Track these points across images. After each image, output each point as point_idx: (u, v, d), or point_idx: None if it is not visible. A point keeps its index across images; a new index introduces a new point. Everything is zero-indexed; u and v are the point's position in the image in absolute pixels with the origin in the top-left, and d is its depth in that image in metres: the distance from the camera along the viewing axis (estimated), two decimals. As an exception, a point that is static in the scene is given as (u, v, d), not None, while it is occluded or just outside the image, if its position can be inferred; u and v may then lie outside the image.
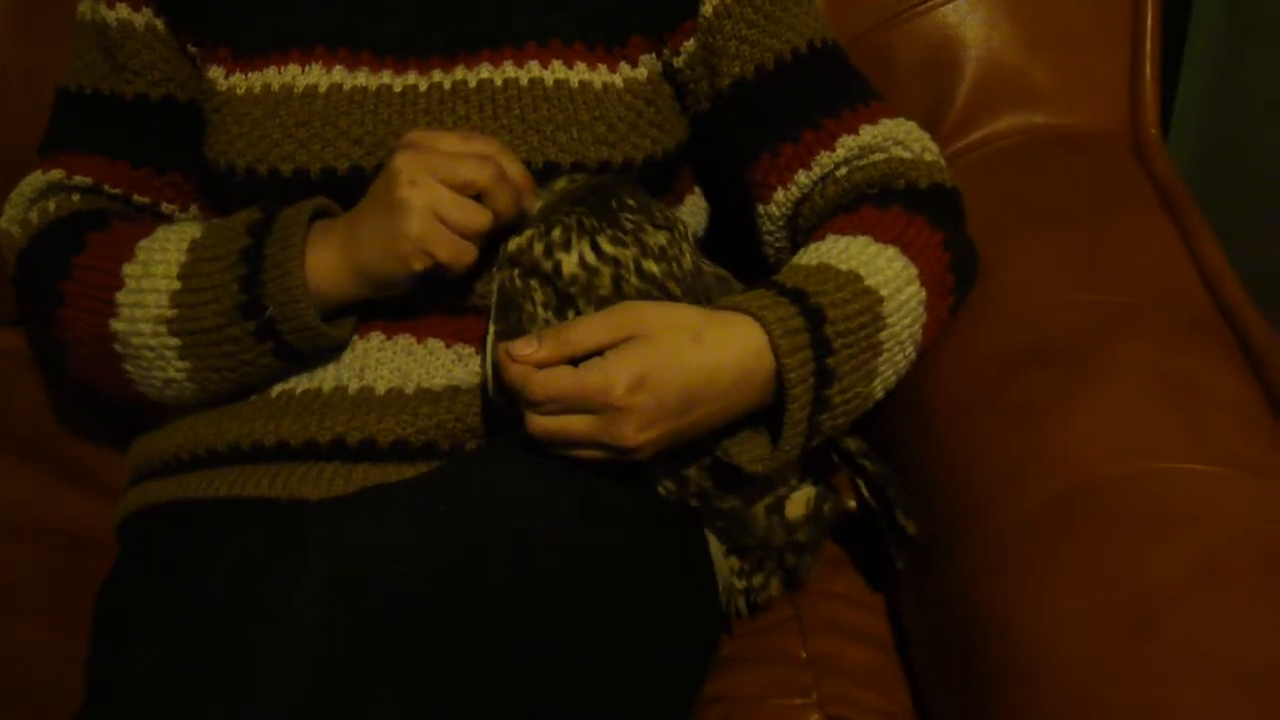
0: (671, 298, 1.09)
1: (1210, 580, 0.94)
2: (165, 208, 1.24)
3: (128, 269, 1.13)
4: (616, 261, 1.07)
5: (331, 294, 1.11)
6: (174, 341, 1.12)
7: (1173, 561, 0.95)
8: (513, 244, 1.08)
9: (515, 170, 1.08)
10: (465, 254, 1.07)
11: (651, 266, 1.08)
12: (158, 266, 1.12)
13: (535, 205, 1.10)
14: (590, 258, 1.07)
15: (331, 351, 1.15)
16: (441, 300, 1.15)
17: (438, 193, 1.05)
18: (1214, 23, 1.82)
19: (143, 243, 1.14)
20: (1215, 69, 1.84)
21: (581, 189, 1.11)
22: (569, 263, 1.07)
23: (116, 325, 1.13)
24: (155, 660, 0.89)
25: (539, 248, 1.07)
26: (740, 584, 1.19)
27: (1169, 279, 1.24)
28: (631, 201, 1.11)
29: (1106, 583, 0.96)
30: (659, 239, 1.10)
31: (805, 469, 1.16)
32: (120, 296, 1.12)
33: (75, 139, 1.23)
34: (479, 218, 1.06)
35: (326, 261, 1.09)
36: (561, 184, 1.13)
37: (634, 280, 1.07)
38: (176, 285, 1.11)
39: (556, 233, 1.07)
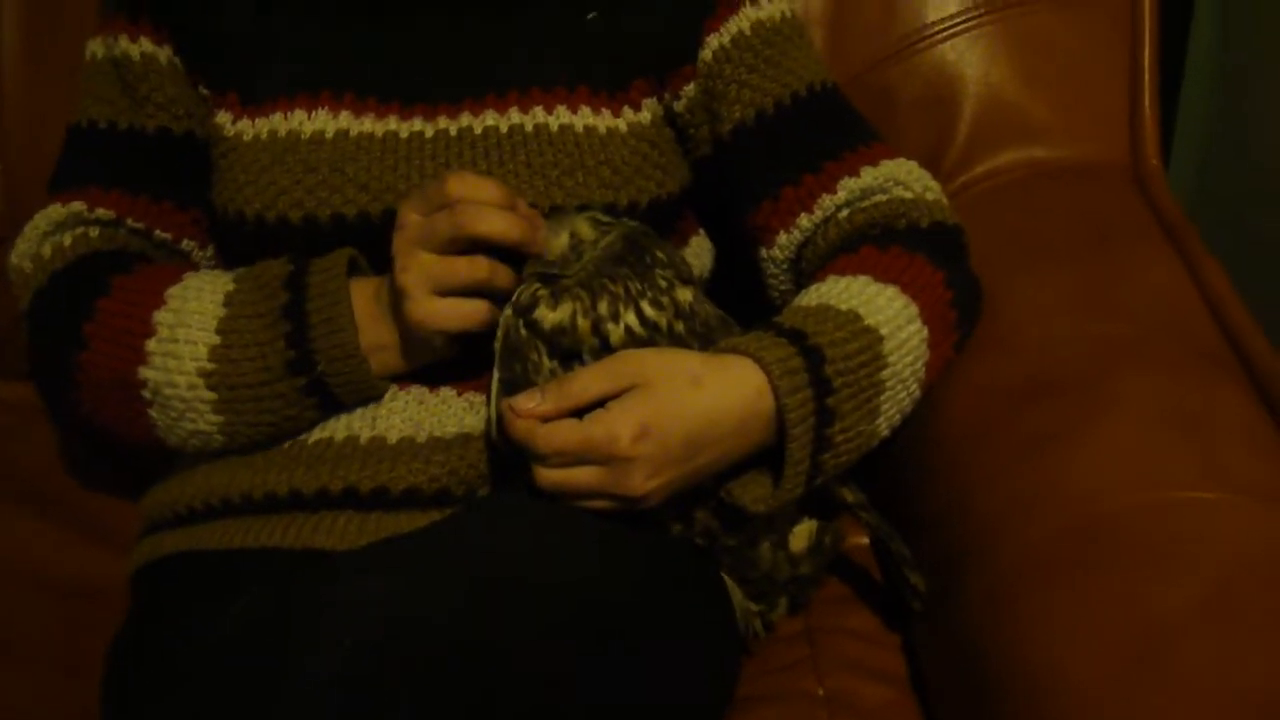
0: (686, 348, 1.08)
1: (1220, 609, 0.94)
2: (186, 244, 1.23)
3: (159, 316, 1.12)
4: (655, 327, 1.07)
5: (386, 362, 1.13)
6: (210, 396, 1.11)
7: (1182, 591, 0.95)
8: (523, 295, 1.07)
9: (489, 193, 1.06)
10: (475, 314, 1.07)
11: (679, 327, 1.08)
12: (193, 318, 1.11)
13: (550, 238, 1.08)
14: (636, 327, 1.06)
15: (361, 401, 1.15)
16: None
17: (425, 267, 1.05)
18: (1210, 53, 1.83)
19: (173, 289, 1.14)
20: (1213, 98, 1.84)
21: (617, 244, 1.08)
22: (616, 334, 1.06)
23: (147, 373, 1.12)
24: (168, 717, 0.89)
25: (584, 324, 1.05)
26: (755, 607, 1.19)
27: (1174, 308, 1.24)
28: (661, 255, 1.10)
29: (1116, 613, 0.96)
30: (686, 295, 1.09)
31: (808, 504, 1.16)
32: (151, 345, 1.12)
33: (92, 174, 1.22)
34: (471, 272, 1.06)
35: (376, 329, 1.11)
36: (581, 223, 1.09)
37: (664, 343, 1.07)
38: (216, 340, 1.11)
39: (604, 306, 1.06)
